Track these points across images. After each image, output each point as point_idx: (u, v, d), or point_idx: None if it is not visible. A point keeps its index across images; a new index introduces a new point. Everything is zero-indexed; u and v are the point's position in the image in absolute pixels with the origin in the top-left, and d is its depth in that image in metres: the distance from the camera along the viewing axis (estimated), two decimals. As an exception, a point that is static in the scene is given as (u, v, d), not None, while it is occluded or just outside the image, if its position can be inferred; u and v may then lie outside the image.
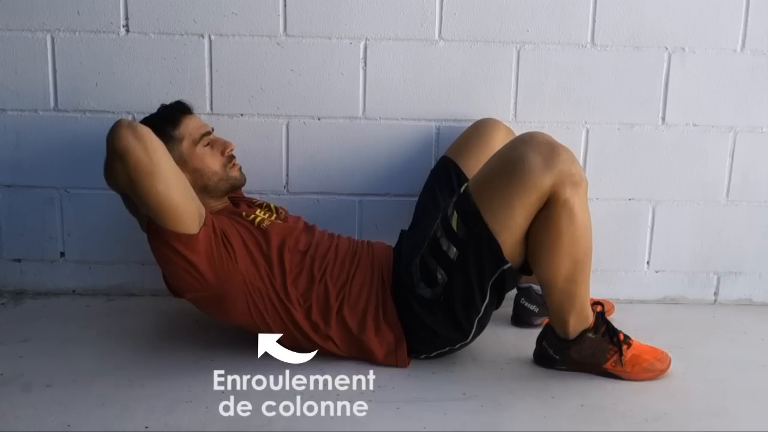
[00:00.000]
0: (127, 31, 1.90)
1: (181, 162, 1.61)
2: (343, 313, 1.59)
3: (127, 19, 1.90)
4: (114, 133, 1.38)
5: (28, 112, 1.94)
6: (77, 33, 1.90)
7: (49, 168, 1.96)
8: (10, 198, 1.98)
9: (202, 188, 1.65)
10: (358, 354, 1.60)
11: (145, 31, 1.90)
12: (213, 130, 1.72)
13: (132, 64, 1.91)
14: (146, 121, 1.64)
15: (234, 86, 1.94)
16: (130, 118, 1.93)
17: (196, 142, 1.66)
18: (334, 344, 1.60)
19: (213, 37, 1.91)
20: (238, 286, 1.55)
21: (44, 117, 1.94)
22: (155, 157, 1.39)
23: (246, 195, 1.89)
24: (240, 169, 1.73)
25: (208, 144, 1.68)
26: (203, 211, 1.52)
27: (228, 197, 1.76)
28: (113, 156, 1.39)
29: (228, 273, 1.53)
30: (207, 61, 1.92)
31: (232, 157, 1.72)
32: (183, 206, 1.45)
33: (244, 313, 1.57)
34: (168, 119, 1.66)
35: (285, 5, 1.90)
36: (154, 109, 1.92)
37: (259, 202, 1.78)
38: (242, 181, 1.73)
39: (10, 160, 1.96)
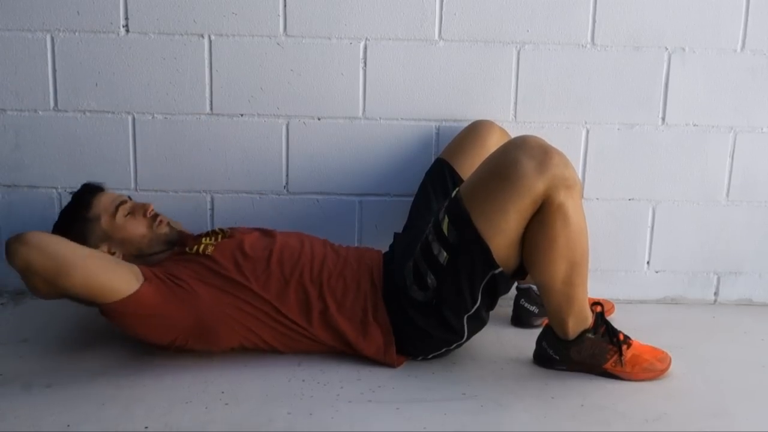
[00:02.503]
0: (127, 31, 1.90)
1: (106, 238, 1.63)
2: (329, 313, 1.59)
3: (127, 19, 1.90)
4: (8, 254, 1.38)
5: (28, 112, 1.94)
6: (77, 33, 1.90)
7: (49, 168, 1.96)
8: (10, 198, 1.98)
9: (138, 255, 1.65)
10: (348, 349, 1.60)
11: (145, 31, 1.90)
12: (129, 198, 1.72)
13: (132, 64, 1.91)
14: (61, 215, 1.67)
15: (234, 86, 1.94)
16: (130, 118, 1.93)
17: (113, 215, 1.65)
18: (323, 343, 1.60)
19: (213, 37, 1.91)
20: (212, 312, 1.54)
21: (44, 117, 1.94)
22: (58, 255, 1.39)
23: (243, 197, 1.89)
24: (168, 223, 1.71)
25: (128, 213, 1.68)
26: (135, 268, 1.51)
27: (177, 243, 1.73)
28: (21, 273, 1.39)
29: (193, 305, 1.53)
30: (207, 61, 1.92)
31: (156, 215, 1.70)
32: (110, 278, 1.45)
33: (231, 335, 1.57)
34: (79, 204, 1.67)
35: (285, 5, 1.90)
36: (154, 109, 1.93)
37: (207, 232, 1.76)
38: (174, 234, 1.71)
39: (10, 160, 1.96)
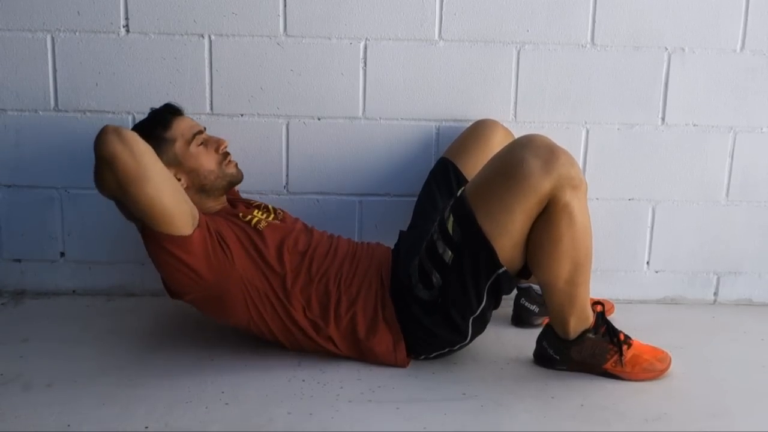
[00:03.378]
0: (127, 31, 1.90)
1: (176, 163, 1.62)
2: (341, 313, 1.59)
3: (127, 19, 1.90)
4: (100, 139, 1.38)
5: (28, 112, 1.94)
6: (77, 33, 1.90)
7: (49, 168, 1.96)
8: (10, 198, 1.98)
9: (200, 188, 1.65)
10: (357, 354, 1.60)
11: (145, 31, 1.90)
12: (205, 129, 1.72)
13: (132, 64, 1.92)
14: (136, 127, 1.64)
15: (234, 86, 1.94)
16: (130, 118, 1.93)
17: (188, 142, 1.65)
18: (333, 344, 1.60)
19: (213, 37, 1.91)
20: (236, 286, 1.55)
21: (44, 117, 1.94)
22: (143, 162, 1.39)
23: (244, 196, 1.90)
24: (236, 165, 1.73)
25: (201, 143, 1.67)
26: (196, 212, 1.52)
27: (226, 198, 1.75)
28: (101, 162, 1.39)
29: (225, 273, 1.53)
30: (207, 61, 1.92)
31: (227, 153, 1.71)
32: (174, 209, 1.45)
33: (243, 314, 1.58)
34: (158, 122, 1.66)
35: (285, 5, 1.90)
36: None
37: (257, 203, 1.78)
38: (239, 177, 1.73)
39: (10, 160, 1.96)
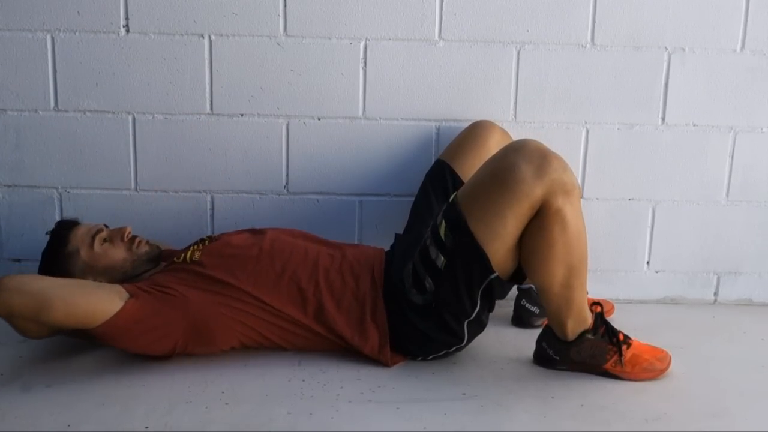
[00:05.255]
0: (127, 31, 1.90)
1: (90, 270, 1.63)
2: (327, 309, 1.58)
3: (127, 19, 1.90)
4: None
5: (28, 112, 1.94)
6: (77, 33, 1.90)
7: (49, 168, 1.96)
8: (10, 198, 1.99)
9: (124, 278, 1.65)
10: (344, 344, 1.60)
11: (145, 31, 1.90)
12: (105, 226, 1.71)
13: (132, 64, 1.92)
14: (43, 256, 1.66)
15: (234, 86, 1.94)
16: (130, 118, 1.93)
17: (91, 246, 1.65)
18: (321, 336, 1.60)
19: (213, 37, 1.91)
20: (205, 312, 1.55)
21: (44, 117, 1.94)
22: (32, 291, 1.41)
23: (244, 196, 1.90)
24: (147, 242, 1.71)
25: (105, 240, 1.67)
26: (117, 287, 1.52)
27: (163, 262, 1.73)
28: (6, 321, 1.42)
29: (184, 308, 1.53)
30: (207, 61, 1.92)
31: (134, 237, 1.69)
32: (92, 303, 1.46)
33: (229, 334, 1.58)
34: (57, 242, 1.66)
35: (285, 5, 1.90)
36: (154, 109, 1.93)
37: (195, 241, 1.76)
38: (155, 251, 1.71)
39: (10, 160, 1.96)
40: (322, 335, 1.60)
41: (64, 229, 1.70)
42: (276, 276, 1.60)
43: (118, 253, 1.67)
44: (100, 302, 1.47)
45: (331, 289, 1.61)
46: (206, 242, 1.72)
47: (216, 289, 1.57)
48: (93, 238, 1.66)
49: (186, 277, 1.59)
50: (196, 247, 1.70)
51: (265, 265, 1.61)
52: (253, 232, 1.75)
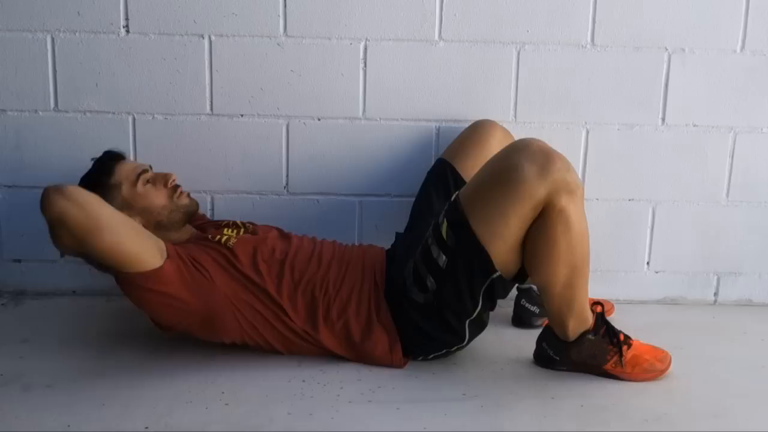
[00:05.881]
0: (127, 31, 1.90)
1: (127, 207, 1.61)
2: (333, 317, 1.59)
3: (127, 19, 1.90)
4: (44, 201, 1.37)
5: (28, 112, 1.94)
6: (77, 33, 1.90)
7: (49, 168, 1.96)
8: (11, 198, 1.98)
9: (157, 225, 1.64)
10: (354, 356, 1.60)
11: (145, 32, 1.90)
12: (151, 167, 1.71)
13: (132, 64, 1.92)
14: (82, 180, 1.64)
15: (234, 87, 1.94)
16: (130, 119, 1.93)
17: (134, 184, 1.64)
18: (328, 348, 1.60)
19: (213, 38, 1.91)
20: (223, 304, 1.54)
21: (44, 117, 1.94)
22: (92, 211, 1.39)
23: (244, 197, 1.90)
24: (188, 195, 1.71)
25: (148, 181, 1.66)
26: (162, 244, 1.51)
27: (195, 225, 1.75)
28: (52, 224, 1.38)
29: (208, 293, 1.53)
30: (207, 62, 1.92)
31: (177, 186, 1.69)
32: (137, 247, 1.45)
33: (236, 330, 1.57)
34: (101, 171, 1.65)
35: (285, 5, 1.90)
36: (154, 109, 1.93)
37: (226, 222, 1.77)
38: (194, 206, 1.71)
39: (10, 160, 1.96)
40: (329, 349, 1.60)
41: (111, 159, 1.68)
42: (294, 285, 1.60)
43: (159, 198, 1.65)
44: (144, 253, 1.46)
45: (340, 295, 1.61)
46: (240, 229, 1.71)
47: (242, 282, 1.57)
48: (138, 176, 1.65)
49: (218, 258, 1.58)
50: (230, 231, 1.69)
51: (287, 274, 1.61)
52: (282, 235, 1.75)
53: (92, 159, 1.69)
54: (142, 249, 1.46)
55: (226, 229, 1.71)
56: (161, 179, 1.68)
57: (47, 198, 1.37)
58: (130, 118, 1.94)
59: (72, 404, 1.42)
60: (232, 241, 1.63)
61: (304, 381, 1.53)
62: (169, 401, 1.43)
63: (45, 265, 2.02)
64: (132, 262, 1.44)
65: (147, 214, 1.64)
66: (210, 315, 1.54)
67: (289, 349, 1.62)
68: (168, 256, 1.49)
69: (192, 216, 1.72)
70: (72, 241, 1.39)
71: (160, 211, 1.65)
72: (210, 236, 1.66)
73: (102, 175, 1.64)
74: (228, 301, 1.55)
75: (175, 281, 1.49)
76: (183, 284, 1.50)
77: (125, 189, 1.63)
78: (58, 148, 1.95)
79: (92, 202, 1.41)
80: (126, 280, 1.47)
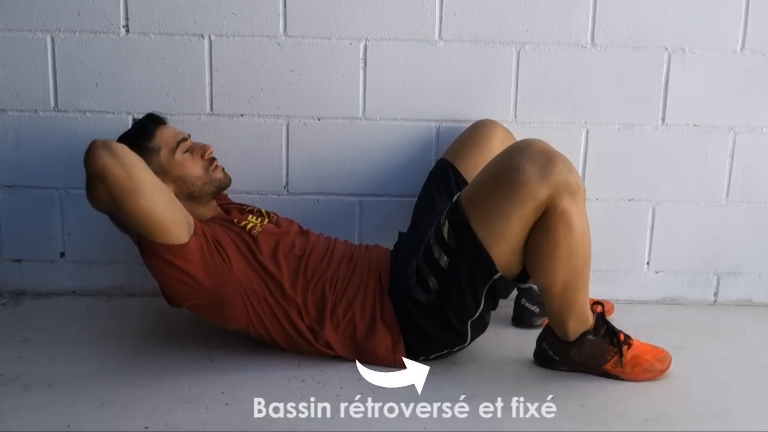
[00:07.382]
0: (127, 31, 1.90)
1: (162, 172, 1.60)
2: (339, 315, 1.59)
3: (127, 19, 1.90)
4: (89, 154, 1.37)
5: (28, 112, 1.94)
6: (77, 33, 1.90)
7: (49, 168, 1.96)
8: (10, 198, 1.98)
9: (188, 195, 1.64)
10: (356, 356, 1.60)
11: (145, 32, 1.90)
12: (189, 136, 1.71)
13: (132, 64, 1.91)
14: (121, 139, 1.63)
15: (234, 86, 1.94)
16: (130, 118, 1.93)
17: (173, 150, 1.64)
18: (331, 348, 1.60)
19: (213, 38, 1.91)
20: (236, 291, 1.55)
21: (44, 117, 1.94)
22: (134, 173, 1.39)
23: (244, 197, 1.90)
24: (223, 170, 1.72)
25: (186, 150, 1.67)
26: (191, 220, 1.51)
27: (219, 205, 1.75)
28: (92, 177, 1.38)
29: (224, 278, 1.53)
30: (207, 62, 1.92)
31: (213, 159, 1.70)
32: (169, 218, 1.45)
33: (243, 318, 1.58)
34: (142, 132, 1.65)
35: (285, 5, 1.90)
36: (154, 109, 1.93)
37: (250, 208, 1.78)
38: (227, 181, 1.72)
39: (10, 160, 1.96)
40: (332, 351, 1.60)
41: (152, 122, 1.68)
42: (306, 283, 1.60)
43: (194, 168, 1.66)
44: (174, 225, 1.46)
45: (347, 294, 1.61)
46: (265, 219, 1.71)
47: (259, 272, 1.57)
48: (178, 143, 1.65)
49: (240, 244, 1.59)
50: (255, 218, 1.69)
51: (302, 271, 1.61)
52: (301, 231, 1.75)
53: (133, 118, 1.68)
54: (172, 221, 1.45)
55: (251, 216, 1.71)
56: (199, 150, 1.68)
57: (93, 151, 1.37)
58: (130, 118, 1.94)
59: (72, 404, 1.42)
60: (257, 229, 1.63)
61: (304, 381, 1.53)
62: (169, 401, 1.43)
63: (45, 265, 2.02)
64: (160, 231, 1.44)
65: (181, 182, 1.64)
66: (220, 299, 1.54)
67: (290, 346, 1.62)
68: (194, 233, 1.49)
69: (222, 191, 1.73)
70: (108, 198, 1.39)
71: (194, 182, 1.65)
72: (235, 220, 1.66)
73: (142, 137, 1.64)
74: (241, 289, 1.55)
75: (196, 260, 1.49)
76: (202, 265, 1.50)
77: (163, 154, 1.63)
78: (58, 148, 1.95)
79: (136, 164, 1.41)
80: (148, 247, 1.47)
